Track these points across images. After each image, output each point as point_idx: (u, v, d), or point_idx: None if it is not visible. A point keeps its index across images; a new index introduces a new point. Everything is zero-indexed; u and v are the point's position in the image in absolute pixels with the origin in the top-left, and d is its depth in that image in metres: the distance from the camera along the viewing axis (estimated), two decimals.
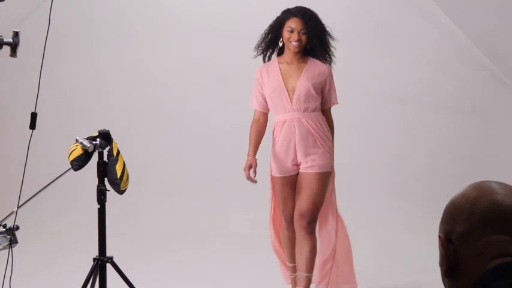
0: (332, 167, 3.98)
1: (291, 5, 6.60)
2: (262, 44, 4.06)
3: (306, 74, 3.91)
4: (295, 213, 3.94)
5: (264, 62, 4.10)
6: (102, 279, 3.38)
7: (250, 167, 3.95)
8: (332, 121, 4.03)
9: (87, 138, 3.33)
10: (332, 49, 3.97)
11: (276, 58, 4.04)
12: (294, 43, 3.88)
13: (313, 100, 3.88)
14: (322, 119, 3.95)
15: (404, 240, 5.86)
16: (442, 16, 6.23)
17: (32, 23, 6.57)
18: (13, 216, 2.98)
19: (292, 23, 3.87)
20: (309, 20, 3.88)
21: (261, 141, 4.09)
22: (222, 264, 5.19)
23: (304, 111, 3.88)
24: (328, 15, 6.60)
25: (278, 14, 4.14)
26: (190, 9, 6.80)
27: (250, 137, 4.08)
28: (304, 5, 4.04)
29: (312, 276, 3.94)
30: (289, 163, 3.95)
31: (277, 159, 3.98)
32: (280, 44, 4.00)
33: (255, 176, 3.95)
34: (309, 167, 3.89)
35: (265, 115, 4.09)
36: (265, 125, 4.10)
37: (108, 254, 3.40)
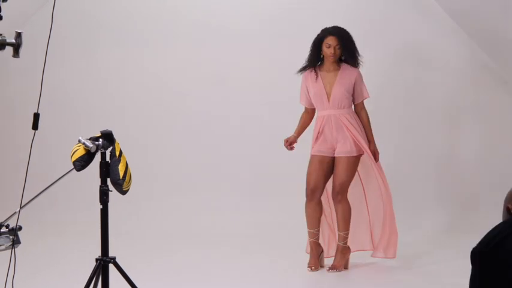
0: (364, 150, 5.01)
1: (294, 6, 6.63)
2: (310, 57, 5.07)
3: (340, 80, 5.02)
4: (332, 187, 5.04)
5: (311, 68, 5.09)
6: (105, 280, 3.38)
7: (288, 140, 5.13)
8: (366, 111, 5.11)
9: (90, 139, 3.33)
10: (359, 57, 5.07)
11: (318, 67, 5.09)
12: (331, 55, 4.98)
13: (345, 99, 5.02)
14: (352, 113, 5.05)
15: (405, 238, 5.85)
16: (444, 15, 6.22)
17: (35, 24, 6.59)
18: (16, 216, 2.98)
19: (330, 40, 4.99)
20: (342, 37, 4.99)
21: (305, 128, 5.22)
22: (223, 265, 5.19)
23: (338, 108, 5.00)
24: (329, 15, 6.63)
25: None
26: (193, 9, 6.79)
27: (298, 122, 5.22)
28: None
29: (345, 234, 5.00)
30: (325, 146, 5.02)
31: (317, 142, 5.05)
32: (322, 57, 5.06)
33: (290, 149, 5.16)
34: (340, 151, 4.97)
35: (311, 110, 5.18)
36: (311, 117, 5.20)
37: (111, 254, 3.40)
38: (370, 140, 5.07)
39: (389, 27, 6.63)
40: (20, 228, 2.95)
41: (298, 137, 5.19)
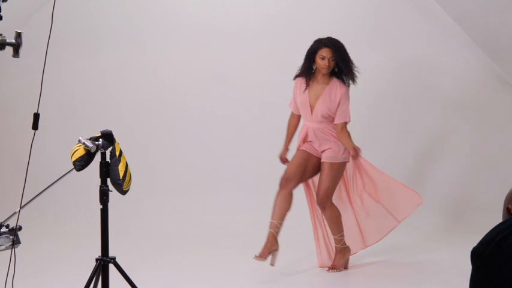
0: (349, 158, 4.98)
1: (293, 7, 6.62)
2: (302, 67, 4.97)
3: (324, 96, 4.90)
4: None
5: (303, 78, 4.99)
6: (105, 280, 3.38)
7: (281, 158, 5.16)
8: (345, 134, 4.91)
9: (90, 139, 3.33)
10: (355, 71, 4.92)
11: (310, 77, 4.97)
12: (325, 67, 4.86)
13: (327, 116, 4.91)
14: (334, 127, 4.94)
15: (405, 239, 5.85)
16: (444, 15, 6.22)
17: (35, 24, 6.58)
18: (16, 216, 2.98)
19: (324, 52, 4.86)
20: (337, 49, 4.86)
21: (294, 133, 5.16)
22: (223, 265, 5.19)
23: (320, 122, 4.93)
24: (329, 14, 6.65)
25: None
26: (193, 9, 6.79)
27: (286, 131, 5.18)
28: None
29: (340, 236, 4.98)
30: (312, 148, 4.98)
31: (305, 143, 5.01)
32: (314, 67, 4.95)
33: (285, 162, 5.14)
34: (325, 157, 4.92)
35: (297, 116, 5.12)
36: (298, 122, 5.14)
37: (111, 254, 3.40)
38: (349, 148, 4.96)
39: (389, 27, 6.63)
40: (20, 228, 2.95)
41: (288, 148, 5.18)
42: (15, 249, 2.96)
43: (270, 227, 4.87)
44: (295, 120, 5.12)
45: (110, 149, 3.38)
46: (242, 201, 6.49)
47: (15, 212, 3.01)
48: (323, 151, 4.94)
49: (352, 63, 4.92)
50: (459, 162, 6.65)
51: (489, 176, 6.55)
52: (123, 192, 3.44)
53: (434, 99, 6.67)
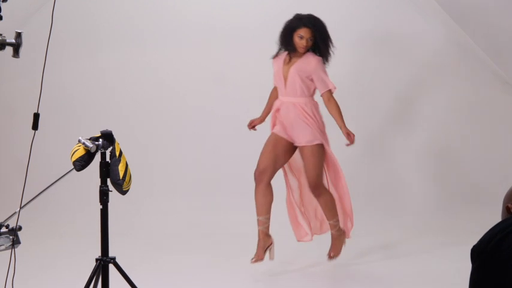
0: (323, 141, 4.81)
1: (293, 7, 6.62)
2: (282, 43, 4.85)
3: (296, 65, 4.76)
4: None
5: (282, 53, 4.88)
6: (105, 280, 3.39)
7: (252, 123, 5.13)
8: (334, 102, 4.79)
9: (90, 139, 3.33)
10: (331, 50, 4.81)
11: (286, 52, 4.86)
12: (302, 47, 4.73)
13: (300, 87, 4.75)
14: (311, 104, 4.81)
15: (404, 239, 5.86)
16: (444, 16, 6.23)
17: (35, 24, 6.58)
18: (16, 216, 2.98)
19: (302, 32, 4.73)
20: (317, 29, 4.73)
21: (269, 110, 5.02)
22: (224, 265, 5.19)
23: (294, 96, 4.78)
24: (329, 14, 6.63)
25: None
26: (193, 9, 6.80)
27: (266, 103, 5.08)
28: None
29: (335, 221, 4.93)
30: (283, 129, 4.83)
31: (278, 122, 4.89)
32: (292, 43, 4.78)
33: (252, 129, 5.15)
34: (302, 141, 4.77)
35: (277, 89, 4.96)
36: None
37: (111, 254, 3.40)
38: (340, 126, 4.82)
39: (389, 27, 6.63)
40: (20, 228, 2.95)
41: (263, 120, 5.08)
42: (15, 249, 2.96)
43: (258, 225, 4.87)
44: (276, 93, 4.98)
45: (109, 149, 3.38)
46: (242, 201, 6.47)
47: (15, 212, 3.01)
48: (294, 133, 4.78)
49: (330, 42, 4.79)
50: (459, 162, 6.65)
51: (489, 176, 6.55)
52: (123, 192, 3.44)
53: (434, 99, 6.68)
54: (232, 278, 4.88)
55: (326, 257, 5.04)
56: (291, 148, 4.88)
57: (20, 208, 3.00)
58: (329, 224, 4.95)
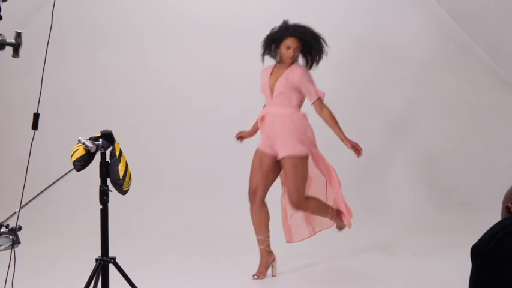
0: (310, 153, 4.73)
1: (293, 7, 6.58)
2: (266, 52, 4.80)
3: (283, 76, 4.67)
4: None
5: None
6: (105, 280, 3.39)
7: (240, 134, 5.08)
8: (327, 109, 4.67)
9: (90, 139, 3.33)
10: (324, 53, 4.73)
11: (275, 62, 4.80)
12: (289, 58, 4.65)
13: (287, 97, 4.66)
14: (298, 115, 4.70)
15: (404, 239, 5.86)
16: (444, 16, 6.22)
17: (35, 24, 6.58)
18: (15, 216, 2.98)
19: (289, 42, 4.62)
20: (305, 39, 4.61)
21: (255, 131, 4.99)
22: (223, 265, 5.19)
23: (281, 106, 4.67)
24: (329, 14, 6.64)
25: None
26: (194, 9, 6.80)
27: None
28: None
29: (330, 215, 4.86)
30: (266, 143, 4.76)
31: (263, 136, 4.81)
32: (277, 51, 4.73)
33: (239, 140, 5.10)
34: (283, 153, 4.66)
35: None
36: None
37: (111, 254, 3.40)
38: (341, 138, 4.69)
39: (388, 27, 6.63)
40: (20, 228, 2.95)
41: (253, 134, 5.00)
42: (15, 249, 2.96)
43: (259, 244, 4.84)
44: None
45: (109, 149, 3.38)
46: (243, 201, 6.46)
47: (15, 212, 3.01)
48: (277, 145, 4.67)
49: (322, 47, 4.69)
50: (459, 162, 6.65)
51: (489, 176, 6.55)
52: (123, 192, 3.44)
53: (434, 99, 6.68)
54: (232, 278, 4.87)
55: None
56: (276, 164, 4.78)
57: (20, 208, 3.00)
58: (325, 220, 4.89)
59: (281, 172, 4.87)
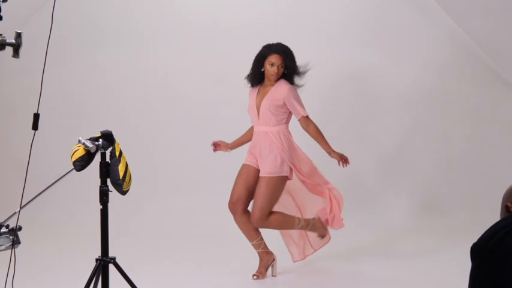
0: (294, 170, 4.77)
1: (293, 7, 6.58)
2: (251, 75, 4.89)
3: (268, 96, 4.77)
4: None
5: (252, 86, 4.92)
6: (105, 280, 3.38)
7: (216, 143, 5.19)
8: (313, 126, 4.77)
9: (90, 139, 3.33)
10: (302, 76, 4.82)
11: (261, 83, 4.89)
12: (273, 74, 4.76)
13: (272, 116, 4.75)
14: (283, 132, 4.76)
15: (407, 238, 5.86)
16: (444, 16, 6.22)
17: (35, 24, 6.59)
18: (16, 216, 2.98)
19: (273, 59, 4.76)
20: (287, 56, 4.75)
21: (244, 142, 5.09)
22: (223, 265, 5.19)
23: (266, 125, 4.77)
24: (329, 14, 6.65)
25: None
26: (194, 9, 6.80)
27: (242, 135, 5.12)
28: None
29: (300, 227, 4.84)
30: (252, 159, 4.85)
31: (248, 154, 4.91)
32: (262, 70, 4.83)
33: (213, 149, 5.22)
34: (262, 171, 4.75)
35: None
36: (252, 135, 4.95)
37: (111, 254, 3.40)
38: (329, 152, 4.79)
39: (389, 27, 6.63)
40: (20, 228, 2.95)
41: (230, 147, 5.13)
42: (15, 249, 2.96)
43: (255, 249, 4.88)
44: (253, 131, 4.96)
45: (109, 149, 3.38)
46: None
47: (15, 212, 3.01)
48: (262, 165, 4.75)
49: (298, 71, 4.80)
50: (459, 162, 6.65)
51: (489, 176, 6.55)
52: (123, 193, 3.44)
53: (434, 100, 6.67)
54: (232, 278, 4.87)
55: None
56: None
57: (20, 208, 3.00)
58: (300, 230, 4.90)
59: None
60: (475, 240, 1.99)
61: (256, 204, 4.72)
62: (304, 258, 5.02)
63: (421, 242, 5.79)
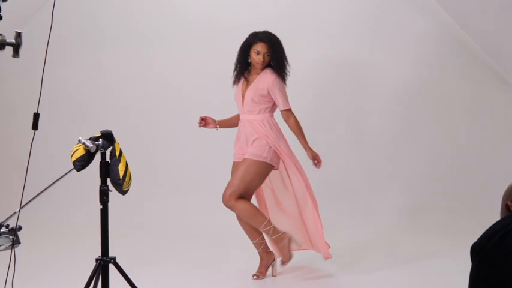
0: (281, 157, 4.71)
1: (293, 7, 6.59)
2: (237, 65, 4.89)
3: (253, 85, 4.75)
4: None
5: (240, 76, 4.89)
6: (105, 280, 3.39)
7: (204, 118, 5.05)
8: (294, 119, 4.73)
9: (90, 139, 3.33)
10: (287, 67, 4.76)
11: (246, 73, 4.87)
12: (259, 63, 4.72)
13: (256, 105, 4.73)
14: (268, 121, 4.74)
15: (406, 239, 5.86)
16: (444, 15, 6.22)
17: (35, 24, 6.59)
18: (15, 216, 2.98)
19: (259, 47, 4.71)
20: (273, 44, 4.71)
21: (230, 124, 5.04)
22: (223, 265, 5.19)
23: (251, 113, 4.76)
24: (329, 14, 6.64)
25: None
26: (194, 8, 6.80)
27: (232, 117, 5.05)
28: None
29: (264, 227, 4.70)
30: (239, 153, 4.82)
31: (235, 147, 4.89)
32: (249, 61, 4.81)
33: (199, 123, 5.06)
34: (248, 152, 4.70)
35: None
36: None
37: (111, 254, 3.40)
38: (304, 147, 4.74)
39: (389, 27, 6.63)
40: (20, 228, 2.95)
41: (216, 125, 5.02)
42: (15, 249, 2.96)
43: (256, 248, 4.87)
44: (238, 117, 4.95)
45: (109, 149, 3.38)
46: None
47: (15, 212, 3.01)
48: (246, 150, 4.72)
49: (286, 60, 4.74)
50: (458, 162, 6.65)
51: (489, 176, 6.55)
52: (123, 192, 3.44)
53: (433, 99, 6.68)
54: (232, 278, 4.87)
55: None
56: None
57: (20, 208, 3.00)
58: (263, 231, 4.74)
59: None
60: (475, 240, 1.98)
61: (231, 181, 4.68)
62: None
63: (420, 243, 5.78)
